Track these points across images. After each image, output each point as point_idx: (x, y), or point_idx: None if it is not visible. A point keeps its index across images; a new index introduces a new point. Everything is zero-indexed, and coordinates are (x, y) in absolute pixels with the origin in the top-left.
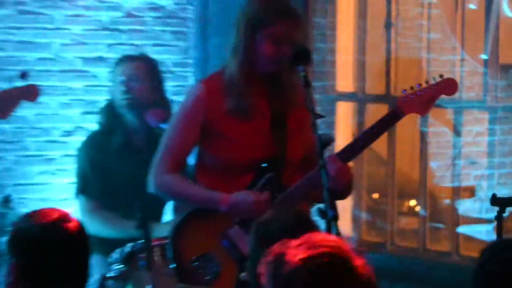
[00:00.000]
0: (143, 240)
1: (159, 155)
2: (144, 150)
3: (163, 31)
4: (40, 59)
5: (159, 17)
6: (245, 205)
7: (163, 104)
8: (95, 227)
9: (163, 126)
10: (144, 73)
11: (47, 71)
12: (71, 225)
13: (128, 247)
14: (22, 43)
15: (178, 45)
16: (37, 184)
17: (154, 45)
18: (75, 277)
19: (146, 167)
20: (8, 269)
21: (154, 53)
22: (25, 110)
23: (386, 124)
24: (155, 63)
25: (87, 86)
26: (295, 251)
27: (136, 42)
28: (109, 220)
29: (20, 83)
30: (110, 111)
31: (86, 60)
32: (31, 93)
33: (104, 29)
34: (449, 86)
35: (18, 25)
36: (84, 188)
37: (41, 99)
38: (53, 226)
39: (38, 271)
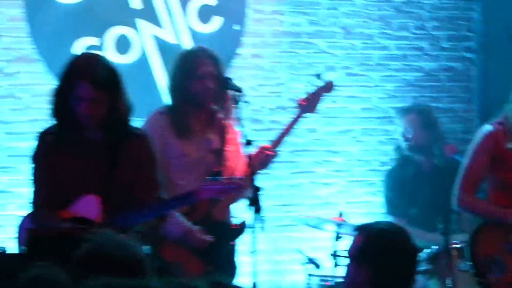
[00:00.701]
0: (444, 244)
1: (460, 180)
2: (432, 176)
3: (453, 86)
4: (362, 109)
5: (450, 76)
6: None
7: (442, 140)
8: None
9: (456, 157)
10: (417, 124)
11: (369, 117)
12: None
13: (433, 249)
14: (349, 97)
15: (464, 96)
16: (360, 202)
17: (446, 97)
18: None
19: (437, 189)
20: (356, 273)
21: (446, 103)
22: (352, 147)
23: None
24: (427, 111)
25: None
26: None
27: (433, 95)
28: (415, 233)
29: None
30: (400, 151)
31: (396, 109)
32: (329, 88)
33: (410, 85)
34: None
35: (346, 83)
36: (391, 209)
37: (364, 138)
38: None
39: (387, 276)
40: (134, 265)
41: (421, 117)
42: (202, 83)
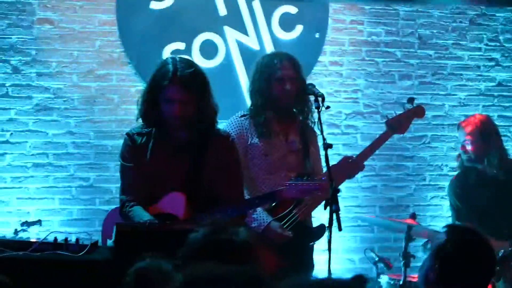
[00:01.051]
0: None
1: None
2: (494, 184)
3: None
4: (434, 116)
5: None
6: None
7: (501, 149)
8: None
9: None
10: (475, 135)
11: (441, 124)
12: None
13: (501, 252)
14: (422, 104)
15: None
16: (430, 205)
17: None
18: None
19: (501, 196)
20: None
21: None
22: (423, 153)
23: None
24: (486, 122)
25: None
26: None
27: (504, 104)
28: None
29: (408, 106)
30: (462, 161)
31: (467, 117)
32: (420, 112)
33: (481, 94)
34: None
35: (419, 91)
36: (457, 216)
37: (435, 144)
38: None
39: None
40: (245, 251)
41: (479, 129)
42: (282, 85)
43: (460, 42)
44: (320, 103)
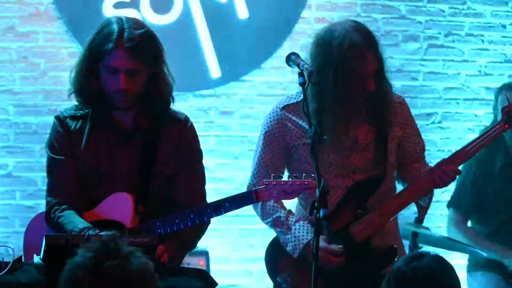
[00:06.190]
0: None
1: None
2: None
3: None
4: (447, 88)
5: None
6: None
7: None
8: (460, 239)
9: None
10: None
11: (455, 99)
12: None
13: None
14: (432, 73)
15: None
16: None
17: None
18: None
19: None
20: None
21: None
22: (432, 135)
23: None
24: None
25: (488, 113)
26: None
27: None
28: (471, 235)
29: None
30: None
31: (489, 89)
32: None
33: (508, 61)
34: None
35: (429, 57)
36: (454, 201)
37: (447, 124)
38: None
39: None
40: (137, 284)
41: None
42: (364, 85)
43: None
44: (306, 78)
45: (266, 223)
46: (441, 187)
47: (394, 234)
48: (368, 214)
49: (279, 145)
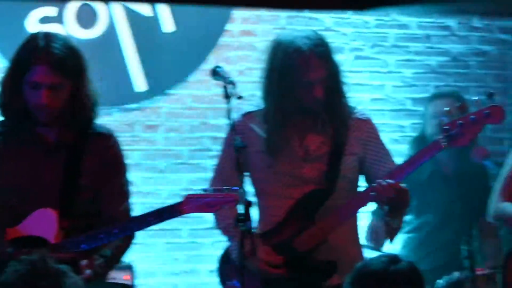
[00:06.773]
0: (469, 270)
1: (498, 189)
2: (452, 180)
3: (485, 74)
4: (373, 99)
5: (482, 62)
6: None
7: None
8: None
9: (486, 163)
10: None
11: (380, 110)
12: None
13: (454, 275)
14: (358, 85)
15: (497, 87)
16: None
17: (476, 87)
18: None
19: (454, 196)
20: None
21: (476, 94)
22: None
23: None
24: (464, 100)
25: (414, 123)
26: None
27: (460, 84)
28: None
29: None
30: (421, 143)
31: (414, 100)
32: (495, 115)
33: (432, 72)
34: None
35: (354, 68)
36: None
37: None
38: None
39: None
40: None
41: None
42: (310, 91)
43: None
44: (229, 91)
45: (218, 229)
46: (382, 203)
47: (352, 245)
48: (312, 227)
49: None
